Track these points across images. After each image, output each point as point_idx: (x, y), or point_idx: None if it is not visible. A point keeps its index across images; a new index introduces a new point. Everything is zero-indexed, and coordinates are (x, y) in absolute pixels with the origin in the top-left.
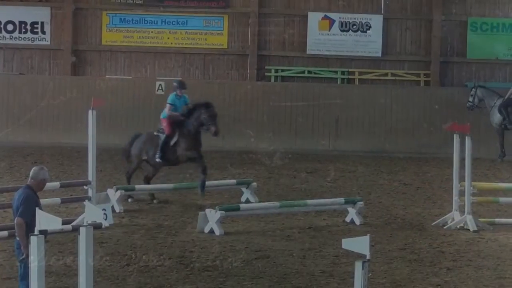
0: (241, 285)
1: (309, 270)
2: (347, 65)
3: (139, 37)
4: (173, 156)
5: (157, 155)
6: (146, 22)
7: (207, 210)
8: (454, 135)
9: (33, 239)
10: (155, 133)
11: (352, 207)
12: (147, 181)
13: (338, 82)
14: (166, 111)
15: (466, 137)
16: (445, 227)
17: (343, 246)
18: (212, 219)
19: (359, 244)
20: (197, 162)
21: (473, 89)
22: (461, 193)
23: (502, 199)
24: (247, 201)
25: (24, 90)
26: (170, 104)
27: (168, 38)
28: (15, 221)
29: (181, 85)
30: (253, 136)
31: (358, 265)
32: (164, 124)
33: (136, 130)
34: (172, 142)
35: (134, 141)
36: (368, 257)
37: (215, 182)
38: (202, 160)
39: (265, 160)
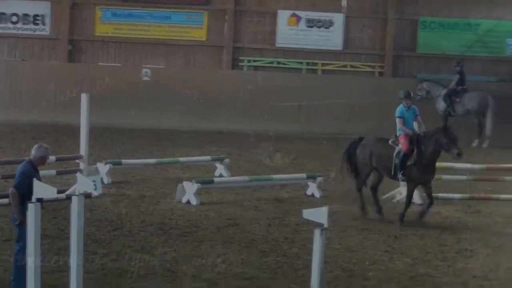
0: (213, 249)
1: (274, 237)
2: (311, 57)
3: (128, 29)
4: (408, 174)
5: (399, 174)
6: (134, 16)
7: (185, 183)
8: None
9: (31, 207)
10: (390, 142)
11: (313, 182)
12: (375, 190)
13: (303, 72)
14: (398, 125)
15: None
16: (393, 200)
17: (304, 216)
18: (189, 190)
19: (318, 214)
20: (426, 190)
21: (420, 84)
22: None
23: (445, 177)
24: (221, 175)
25: (26, 74)
26: (400, 117)
27: (154, 30)
28: (9, 191)
29: (407, 95)
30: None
31: (316, 232)
32: (401, 141)
33: (129, 110)
34: (409, 162)
35: (357, 146)
36: (325, 226)
37: (193, 158)
38: (431, 190)
39: (238, 139)
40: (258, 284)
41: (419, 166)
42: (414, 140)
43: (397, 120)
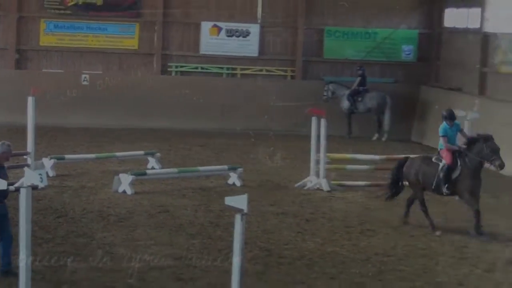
0: (147, 233)
1: (200, 221)
2: (231, 63)
3: (69, 39)
4: (453, 187)
5: (444, 188)
6: (74, 28)
7: (121, 175)
8: (312, 117)
9: None
10: (433, 159)
11: (234, 172)
12: (410, 203)
13: (224, 76)
14: (443, 144)
15: (322, 119)
16: (305, 188)
17: (226, 203)
18: (124, 181)
19: (239, 201)
20: (472, 203)
21: (326, 85)
22: (317, 162)
23: (349, 167)
24: (152, 168)
25: None
26: (443, 135)
27: (92, 40)
28: None
29: (451, 117)
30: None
31: (237, 217)
32: (444, 155)
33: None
34: (454, 175)
35: (403, 165)
36: (245, 211)
37: (127, 153)
38: (478, 203)
39: (168, 135)
40: (187, 263)
41: (465, 178)
42: (457, 153)
43: (441, 139)
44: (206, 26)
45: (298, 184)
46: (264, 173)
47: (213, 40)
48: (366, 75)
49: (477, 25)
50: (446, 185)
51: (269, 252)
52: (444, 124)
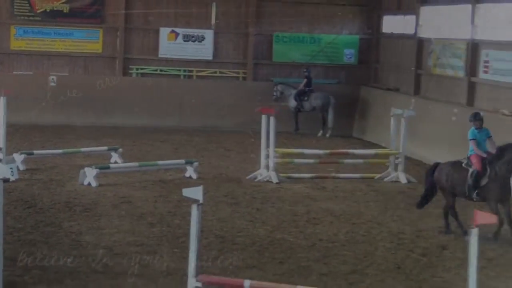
0: (110, 222)
1: (160, 211)
2: (188, 66)
3: (38, 44)
4: (482, 194)
5: (474, 194)
6: (43, 33)
7: (86, 168)
8: (262, 115)
9: None
10: (463, 164)
11: (190, 166)
12: (447, 211)
13: (181, 78)
14: (473, 148)
15: (271, 117)
16: (255, 180)
17: (183, 194)
18: (90, 174)
19: (195, 192)
20: (504, 208)
21: (275, 86)
22: (267, 156)
23: (296, 160)
24: (115, 162)
25: None
26: (473, 139)
27: (59, 45)
28: None
29: (475, 117)
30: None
31: (194, 207)
32: (474, 160)
33: (39, 110)
34: (483, 182)
35: (435, 171)
36: (201, 202)
37: (92, 148)
38: (510, 208)
39: (130, 132)
40: (147, 250)
41: (494, 186)
42: (487, 160)
43: (471, 142)
44: (164, 32)
45: (249, 176)
46: (218, 166)
47: (171, 44)
48: (311, 76)
49: (412, 31)
50: (476, 192)
51: (223, 239)
52: (472, 128)
